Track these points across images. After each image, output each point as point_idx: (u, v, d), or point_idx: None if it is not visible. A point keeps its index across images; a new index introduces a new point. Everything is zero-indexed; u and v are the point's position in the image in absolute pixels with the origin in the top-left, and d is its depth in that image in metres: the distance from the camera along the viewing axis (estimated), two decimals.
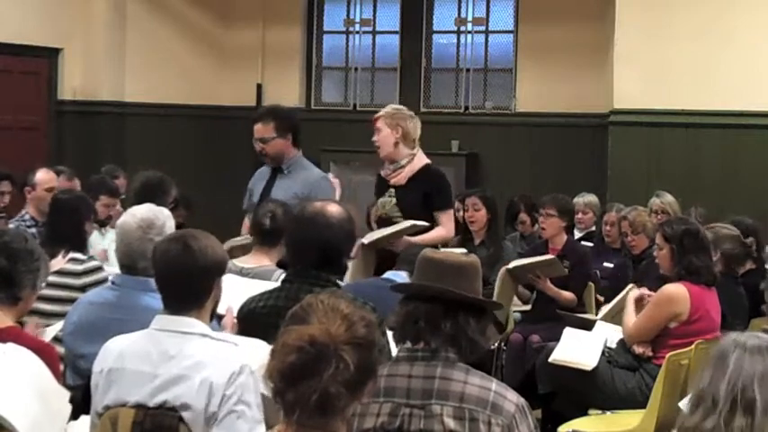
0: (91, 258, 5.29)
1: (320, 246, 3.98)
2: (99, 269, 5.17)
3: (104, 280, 5.02)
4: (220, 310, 4.38)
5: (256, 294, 4.15)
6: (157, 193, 6.08)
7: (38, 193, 6.73)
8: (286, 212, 5.26)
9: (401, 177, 6.22)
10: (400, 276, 5.14)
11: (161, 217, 4.26)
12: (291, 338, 2.46)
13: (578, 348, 5.68)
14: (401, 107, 6.46)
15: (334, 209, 4.09)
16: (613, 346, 5.74)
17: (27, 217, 6.79)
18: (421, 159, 6.23)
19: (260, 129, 6.26)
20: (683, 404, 3.98)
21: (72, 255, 5.18)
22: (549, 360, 5.70)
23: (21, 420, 3.14)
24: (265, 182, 6.29)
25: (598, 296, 7.22)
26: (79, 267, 5.13)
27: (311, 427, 2.46)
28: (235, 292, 4.32)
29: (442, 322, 3.13)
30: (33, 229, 6.24)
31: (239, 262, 5.06)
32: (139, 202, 5.87)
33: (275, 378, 2.46)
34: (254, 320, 3.99)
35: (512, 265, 6.84)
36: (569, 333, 5.84)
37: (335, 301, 2.55)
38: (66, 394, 3.32)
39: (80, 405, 3.82)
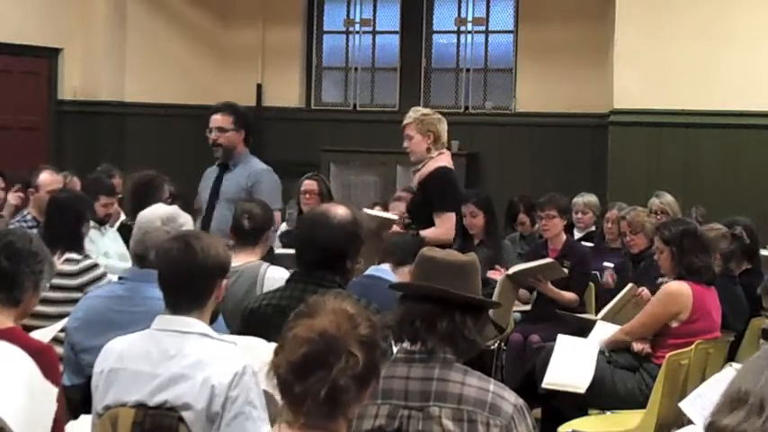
0: (86, 257, 5.26)
1: (322, 247, 4.00)
2: (95, 267, 5.17)
3: (101, 277, 5.04)
4: None
5: (261, 294, 4.19)
6: (150, 190, 6.12)
7: (41, 195, 6.70)
8: (263, 209, 5.32)
9: (416, 179, 6.41)
10: (383, 271, 5.14)
11: (183, 216, 4.37)
12: (302, 331, 2.47)
13: (571, 366, 5.64)
14: (427, 110, 6.54)
15: (338, 210, 4.10)
16: None
17: (29, 217, 6.78)
18: (436, 162, 6.32)
19: (219, 119, 6.59)
20: (684, 404, 3.99)
21: (67, 255, 5.16)
22: (543, 385, 5.64)
23: (14, 419, 3.14)
24: (213, 180, 6.59)
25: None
26: (75, 267, 5.13)
27: (314, 427, 2.46)
28: None
29: (438, 322, 3.13)
30: (35, 230, 6.22)
31: None
32: (135, 202, 5.95)
33: (284, 370, 2.46)
34: (258, 319, 4.01)
35: (512, 270, 6.84)
36: (562, 345, 5.77)
37: (341, 302, 2.56)
38: (54, 392, 3.31)
39: (79, 405, 3.83)
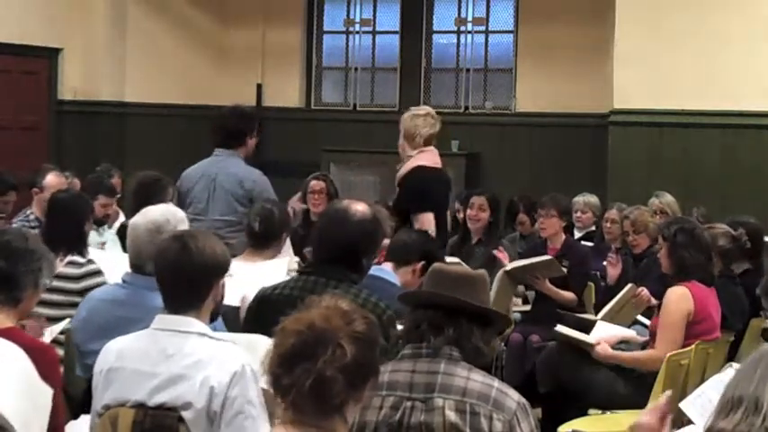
0: (90, 262, 5.16)
1: (338, 242, 4.02)
2: (98, 273, 5.06)
3: (103, 284, 4.97)
4: (234, 300, 4.43)
5: (272, 284, 4.21)
6: (154, 192, 6.06)
7: (45, 196, 6.62)
8: (281, 212, 5.32)
9: (397, 178, 6.44)
10: (384, 271, 5.13)
11: (172, 220, 4.20)
12: (291, 323, 2.50)
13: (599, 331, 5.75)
14: (420, 107, 6.54)
15: (358, 208, 4.12)
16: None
17: (32, 217, 6.75)
18: (415, 161, 6.33)
19: None
20: (684, 404, 3.99)
21: (70, 258, 5.08)
22: (556, 328, 5.80)
23: (13, 416, 3.13)
24: None
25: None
26: (77, 271, 5.04)
27: (308, 425, 2.47)
28: (248, 280, 4.44)
29: (445, 327, 3.17)
30: (37, 230, 6.19)
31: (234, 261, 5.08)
32: (137, 203, 5.88)
33: (274, 363, 2.48)
34: (267, 307, 4.02)
35: (510, 266, 6.84)
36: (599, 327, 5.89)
37: (336, 300, 2.57)
38: (50, 391, 3.31)
39: (81, 404, 3.83)
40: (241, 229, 5.88)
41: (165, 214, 4.25)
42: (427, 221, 6.26)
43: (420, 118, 6.31)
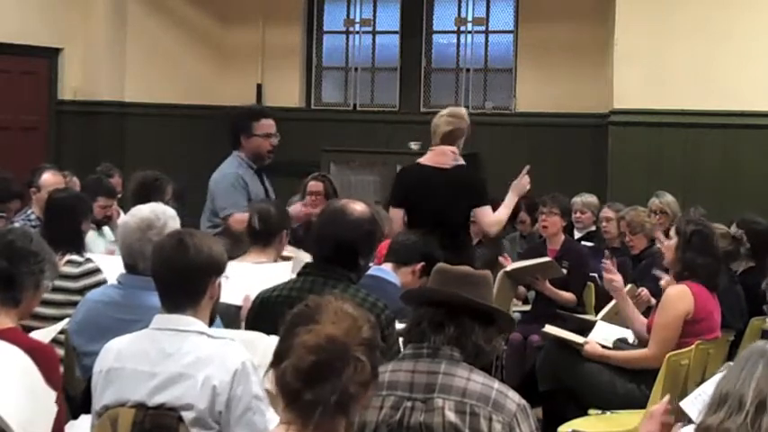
0: (88, 260, 5.18)
1: (336, 241, 4.05)
2: (97, 271, 5.08)
3: (102, 282, 4.97)
4: (236, 300, 4.44)
5: (272, 285, 4.22)
6: (154, 192, 6.08)
7: (43, 195, 6.64)
8: (278, 210, 5.34)
9: None
10: (384, 271, 5.14)
11: (162, 217, 4.18)
12: (309, 338, 2.47)
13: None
14: (456, 107, 6.69)
15: (356, 207, 4.14)
16: (610, 345, 5.74)
17: (33, 216, 6.74)
18: (420, 159, 6.42)
19: (274, 124, 6.62)
20: (685, 404, 3.99)
21: (69, 257, 5.09)
22: (544, 329, 5.85)
23: (13, 418, 3.13)
24: (259, 183, 6.53)
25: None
26: (76, 270, 5.06)
27: (313, 428, 2.46)
28: (251, 280, 4.48)
29: (446, 325, 3.17)
30: (37, 230, 6.18)
31: (237, 261, 5.09)
32: (137, 202, 5.88)
33: (291, 377, 2.46)
34: (266, 309, 4.05)
35: (509, 267, 6.86)
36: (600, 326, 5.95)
37: (342, 303, 2.56)
38: (53, 394, 3.31)
39: (80, 404, 3.83)
40: (215, 224, 6.17)
41: (154, 212, 4.22)
42: (393, 216, 6.40)
43: (442, 117, 6.48)
